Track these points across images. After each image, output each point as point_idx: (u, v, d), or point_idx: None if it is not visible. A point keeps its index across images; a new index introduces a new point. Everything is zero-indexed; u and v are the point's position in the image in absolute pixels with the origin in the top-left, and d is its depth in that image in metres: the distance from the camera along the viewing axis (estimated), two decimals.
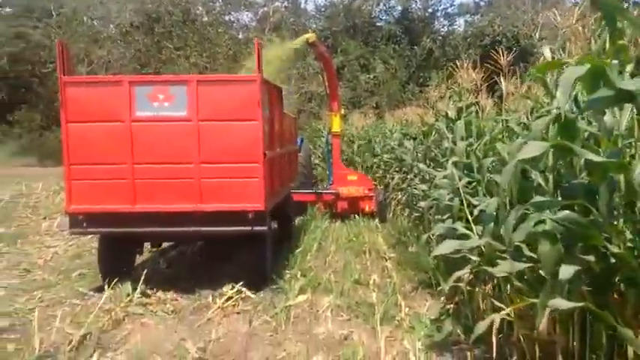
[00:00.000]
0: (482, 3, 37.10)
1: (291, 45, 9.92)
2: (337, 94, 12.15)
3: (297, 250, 8.24)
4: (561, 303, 2.46)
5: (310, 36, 10.05)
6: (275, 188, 7.14)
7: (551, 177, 3.24)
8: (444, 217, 4.81)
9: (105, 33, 30.54)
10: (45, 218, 11.54)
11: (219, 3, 32.93)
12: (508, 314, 3.44)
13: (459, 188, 4.36)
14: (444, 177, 4.88)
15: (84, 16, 31.27)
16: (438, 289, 5.57)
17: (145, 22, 29.34)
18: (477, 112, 5.63)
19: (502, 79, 4.44)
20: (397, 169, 11.58)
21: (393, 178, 11.76)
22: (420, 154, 8.33)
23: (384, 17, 34.62)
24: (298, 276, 6.74)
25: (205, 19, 29.55)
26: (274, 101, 7.31)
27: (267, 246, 6.73)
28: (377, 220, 11.14)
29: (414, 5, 34.22)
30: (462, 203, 4.28)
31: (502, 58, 4.46)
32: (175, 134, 6.14)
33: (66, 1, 32.15)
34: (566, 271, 2.43)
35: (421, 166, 7.27)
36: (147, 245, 7.73)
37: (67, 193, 6.15)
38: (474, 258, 3.75)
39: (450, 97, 6.52)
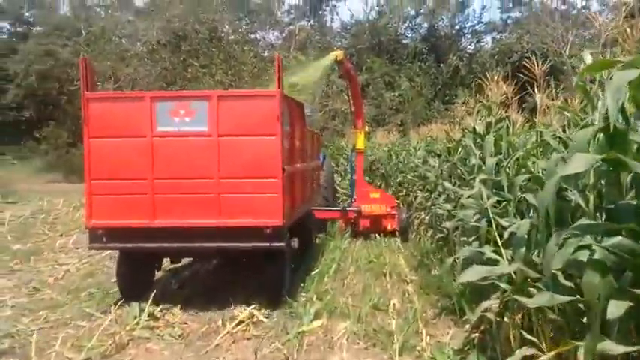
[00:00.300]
0: (509, 20, 36.58)
1: (321, 63, 9.96)
2: (362, 112, 12.15)
3: (315, 272, 7.90)
4: (613, 347, 2.06)
5: (339, 54, 10.12)
6: (295, 204, 7.06)
7: (591, 197, 2.85)
8: (470, 239, 4.43)
9: (132, 51, 30.86)
10: (62, 235, 11.42)
11: (245, 21, 33.13)
12: (540, 349, 3.04)
13: (486, 208, 3.99)
14: (470, 196, 4.53)
15: (112, 35, 31.66)
16: (463, 317, 5.23)
17: (171, 41, 29.58)
18: (507, 126, 5.27)
19: (536, 91, 4.07)
20: (421, 187, 11.12)
21: (416, 197, 11.28)
22: (445, 172, 7.99)
23: (410, 35, 34.41)
24: (314, 299, 6.41)
25: (232, 37, 29.63)
26: (295, 117, 7.26)
27: (286, 263, 6.62)
28: (399, 239, 10.85)
29: (440, 23, 33.94)
30: (489, 224, 3.91)
31: (536, 67, 4.09)
32: (196, 149, 6.15)
33: (95, 20, 32.69)
34: (617, 308, 2.04)
35: (446, 184, 6.94)
36: (165, 261, 7.61)
37: (87, 208, 6.18)
38: (504, 285, 3.37)
39: (477, 112, 6.15)
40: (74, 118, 28.08)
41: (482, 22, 34.56)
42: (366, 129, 12.68)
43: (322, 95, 26.05)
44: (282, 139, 6.19)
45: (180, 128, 6.15)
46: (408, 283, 7.39)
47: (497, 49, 29.48)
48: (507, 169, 4.47)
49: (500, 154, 4.94)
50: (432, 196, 8.76)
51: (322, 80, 10.42)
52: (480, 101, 5.82)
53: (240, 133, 6.15)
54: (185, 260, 8.13)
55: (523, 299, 2.86)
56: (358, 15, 37.35)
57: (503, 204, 4.25)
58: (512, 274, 3.28)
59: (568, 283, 2.81)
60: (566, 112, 3.53)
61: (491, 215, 3.98)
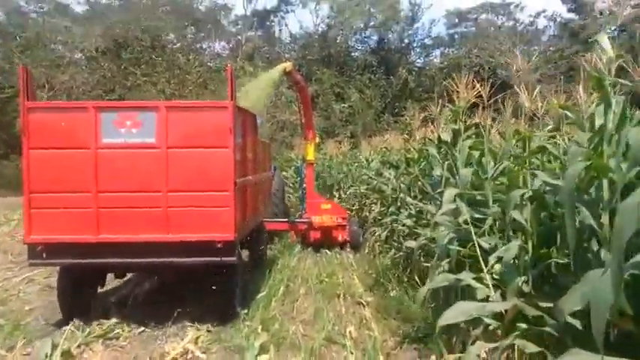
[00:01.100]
0: (456, 36, 37.06)
1: (270, 74, 9.80)
2: (312, 123, 12.00)
3: (261, 294, 7.17)
4: None
5: (287, 65, 9.99)
6: (247, 217, 6.96)
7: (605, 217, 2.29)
8: (443, 262, 3.83)
9: (68, 58, 29.43)
10: None
11: (191, 30, 32.25)
12: None
13: (465, 227, 3.40)
14: (444, 213, 3.92)
15: (47, 41, 30.11)
16: (428, 345, 4.81)
17: (111, 48, 28.42)
18: (479, 134, 4.78)
19: (523, 90, 3.57)
20: (375, 200, 10.66)
21: (370, 211, 10.82)
22: (404, 185, 7.57)
23: (359, 47, 34.34)
24: (259, 330, 5.69)
25: (177, 45, 28.73)
26: (247, 128, 7.15)
27: (238, 278, 6.48)
28: (351, 256, 10.42)
29: (390, 36, 34.03)
30: (468, 246, 3.32)
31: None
32: (143, 161, 5.99)
33: (30, 26, 31.08)
34: None
35: (408, 199, 6.53)
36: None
37: (25, 222, 5.92)
38: (491, 322, 2.76)
39: (446, 117, 5.62)
40: (5, 128, 26.51)
41: (430, 36, 34.84)
42: (317, 140, 12.52)
43: (270, 106, 25.50)
44: (235, 151, 6.04)
45: (127, 140, 5.93)
46: (364, 307, 6.79)
47: (446, 63, 29.61)
48: (490, 182, 3.93)
49: (471, 164, 4.43)
50: (389, 210, 8.21)
51: (271, 92, 9.99)
52: (447, 106, 5.30)
53: (191, 145, 5.97)
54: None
55: (527, 347, 2.23)
56: (308, 26, 36.94)
57: (486, 222, 3.68)
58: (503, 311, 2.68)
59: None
60: (568, 113, 2.98)
61: (473, 236, 3.38)
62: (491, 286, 3.01)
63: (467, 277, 3.25)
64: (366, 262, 9.64)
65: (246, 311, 6.43)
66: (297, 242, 11.29)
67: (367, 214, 11.48)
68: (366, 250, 10.43)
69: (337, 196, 15.27)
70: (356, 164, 14.45)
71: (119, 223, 5.88)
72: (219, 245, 5.86)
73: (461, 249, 3.74)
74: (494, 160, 4.12)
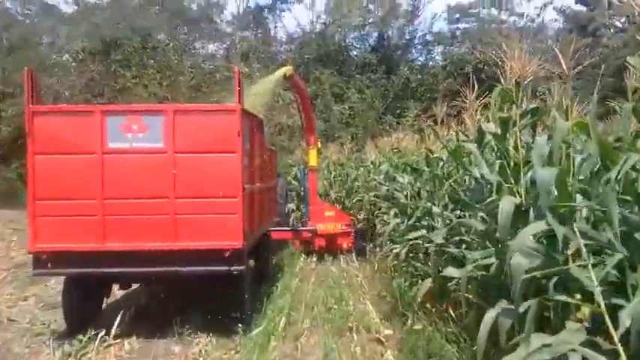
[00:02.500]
0: (457, 32, 37.36)
1: (270, 79, 10.22)
2: (313, 128, 12.55)
3: (256, 330, 6.47)
4: None
5: (288, 69, 10.46)
6: (254, 225, 7.11)
7: None
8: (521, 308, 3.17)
9: (54, 59, 29.60)
10: None
11: (183, 30, 32.42)
12: None
13: (565, 259, 3.08)
14: (535, 234, 3.29)
15: (32, 42, 30.28)
16: None
17: (99, 49, 28.58)
18: (534, 124, 4.02)
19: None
20: (385, 210, 10.09)
21: (383, 223, 10.16)
22: (424, 192, 7.04)
23: (358, 45, 34.59)
24: None
25: (169, 45, 28.91)
26: (255, 133, 7.31)
27: (246, 288, 6.63)
28: (360, 274, 10.31)
29: (390, 32, 34.28)
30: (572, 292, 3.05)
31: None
32: (150, 167, 6.11)
33: (14, 27, 31.21)
34: None
35: (435, 209, 6.01)
36: None
37: (30, 231, 6.07)
38: None
39: (495, 100, 4.50)
40: None
41: (432, 32, 35.10)
42: (318, 145, 13.00)
43: (267, 109, 25.63)
44: (243, 157, 6.21)
45: (133, 144, 6.10)
46: (383, 344, 6.11)
47: (449, 61, 29.89)
48: (612, 187, 2.99)
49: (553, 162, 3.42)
50: (408, 223, 7.30)
51: (271, 96, 10.38)
52: (494, 85, 4.27)
53: (199, 149, 6.13)
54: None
55: None
56: (304, 24, 37.20)
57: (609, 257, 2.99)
58: None
59: None
60: None
61: (595, 282, 2.88)
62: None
63: (574, 338, 2.79)
64: (379, 283, 9.13)
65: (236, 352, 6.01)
66: (300, 251, 11.73)
67: (378, 225, 11.09)
68: (375, 267, 10.11)
69: (342, 204, 15.46)
70: (362, 169, 14.52)
71: (125, 231, 6.10)
72: (227, 254, 6.06)
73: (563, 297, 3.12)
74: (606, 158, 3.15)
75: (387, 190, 9.84)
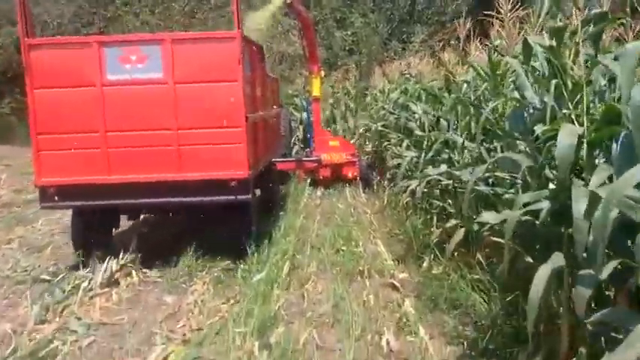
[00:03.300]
0: None
1: (269, 7, 10.38)
2: (317, 57, 12.49)
3: (258, 277, 6.03)
4: None
5: None
6: (259, 154, 7.27)
7: None
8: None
9: None
10: None
11: None
12: None
13: None
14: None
15: None
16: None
17: None
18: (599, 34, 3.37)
19: None
20: (396, 142, 9.46)
21: (393, 155, 9.62)
22: (446, 121, 6.48)
23: None
24: (256, 346, 4.40)
25: None
26: (256, 61, 7.40)
27: (252, 216, 6.87)
28: (369, 210, 9.87)
29: None
30: None
31: None
32: (150, 98, 6.22)
33: None
34: None
35: (460, 141, 5.38)
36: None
37: (35, 165, 6.27)
38: None
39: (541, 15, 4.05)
40: None
41: None
42: (322, 74, 12.98)
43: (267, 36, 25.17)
44: (244, 85, 6.25)
45: (133, 75, 6.19)
46: (398, 290, 5.67)
47: None
48: None
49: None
50: (425, 157, 6.66)
51: (272, 25, 10.15)
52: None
53: (199, 79, 6.21)
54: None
55: None
56: None
57: None
58: None
59: None
60: None
61: None
62: None
63: None
64: (389, 220, 8.65)
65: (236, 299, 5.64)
66: (304, 186, 11.86)
67: (387, 159, 10.55)
68: (385, 202, 9.64)
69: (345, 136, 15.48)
70: (368, 97, 14.36)
71: (130, 163, 6.28)
72: (233, 183, 6.24)
73: None
74: None
75: (396, 119, 9.48)
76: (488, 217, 3.85)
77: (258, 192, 7.42)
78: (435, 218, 6.64)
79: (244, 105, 6.27)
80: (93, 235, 6.82)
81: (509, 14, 4.43)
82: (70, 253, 7.11)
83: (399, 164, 8.40)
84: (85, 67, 6.19)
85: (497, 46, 5.07)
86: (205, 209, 6.86)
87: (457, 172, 5.22)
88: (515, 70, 3.97)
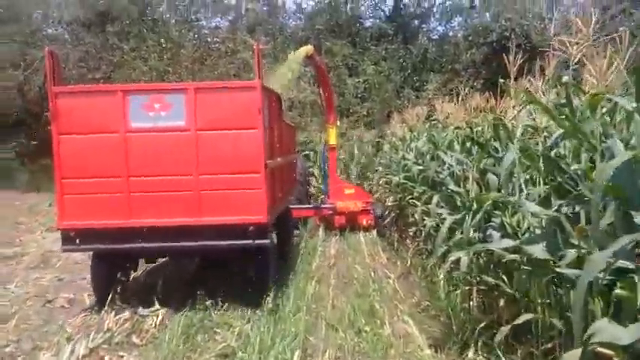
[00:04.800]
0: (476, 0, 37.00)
1: (292, 60, 10.79)
2: (333, 106, 13.25)
3: None
4: None
5: (309, 49, 11.10)
6: (276, 200, 7.62)
7: None
8: None
9: (45, 32, 29.70)
10: None
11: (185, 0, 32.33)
12: None
13: None
14: None
15: (22, 14, 30.31)
16: None
17: (94, 20, 28.62)
18: None
19: None
20: (419, 196, 8.51)
21: (424, 215, 8.11)
22: (493, 176, 5.44)
23: (372, 14, 34.49)
24: None
25: (168, 15, 28.92)
26: (274, 109, 7.81)
27: (270, 261, 7.17)
28: (392, 275, 8.84)
29: (406, 0, 34.17)
30: None
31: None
32: (173, 145, 6.63)
33: None
34: None
35: (528, 205, 4.20)
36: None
37: (58, 208, 6.62)
38: None
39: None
40: None
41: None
42: (338, 123, 13.77)
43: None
44: (264, 132, 6.66)
45: (156, 123, 6.60)
46: None
47: (471, 30, 29.75)
48: None
49: None
50: (470, 222, 5.41)
51: (295, 76, 10.92)
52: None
53: (221, 126, 6.61)
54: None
55: None
56: None
57: None
58: None
59: None
60: None
61: None
62: None
63: None
64: (416, 288, 7.82)
65: None
66: (320, 226, 12.62)
67: (412, 217, 9.50)
68: (409, 262, 8.93)
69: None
70: (386, 146, 14.59)
71: (151, 208, 6.61)
72: (251, 228, 6.57)
73: None
74: None
75: (421, 171, 8.70)
76: (614, 332, 2.66)
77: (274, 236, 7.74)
78: (474, 291, 5.71)
79: (264, 152, 6.65)
80: (112, 278, 7.21)
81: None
82: (38, 326, 6.65)
83: (423, 220, 7.72)
84: (109, 115, 6.59)
85: (571, 83, 4.15)
86: (223, 254, 7.22)
87: (529, 247, 3.98)
88: (622, 111, 3.25)
